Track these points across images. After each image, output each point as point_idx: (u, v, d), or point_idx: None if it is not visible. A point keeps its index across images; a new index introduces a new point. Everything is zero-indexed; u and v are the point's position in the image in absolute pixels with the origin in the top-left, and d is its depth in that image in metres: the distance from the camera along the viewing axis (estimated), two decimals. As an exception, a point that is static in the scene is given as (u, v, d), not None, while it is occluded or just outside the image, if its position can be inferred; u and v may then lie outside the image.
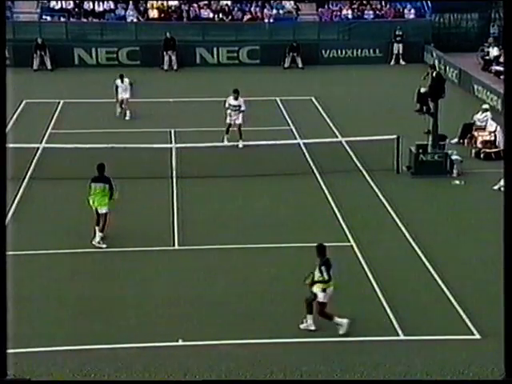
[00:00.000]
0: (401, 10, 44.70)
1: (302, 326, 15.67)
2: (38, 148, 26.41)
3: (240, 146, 27.30)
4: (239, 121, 27.67)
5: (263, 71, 40.00)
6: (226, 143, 27.43)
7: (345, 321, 15.41)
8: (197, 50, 42.00)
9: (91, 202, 19.90)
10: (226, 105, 27.87)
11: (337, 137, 28.31)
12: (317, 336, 15.48)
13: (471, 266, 18.84)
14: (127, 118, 31.45)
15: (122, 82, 31.25)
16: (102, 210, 19.76)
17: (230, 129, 27.69)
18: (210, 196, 23.30)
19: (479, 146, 26.89)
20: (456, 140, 27.78)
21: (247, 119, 27.86)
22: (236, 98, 27.73)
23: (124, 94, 31.47)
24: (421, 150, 24.78)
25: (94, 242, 19.62)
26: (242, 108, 27.67)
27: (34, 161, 25.66)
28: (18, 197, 22.83)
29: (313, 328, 15.61)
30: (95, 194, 19.81)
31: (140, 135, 28.38)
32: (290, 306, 16.67)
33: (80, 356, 14.77)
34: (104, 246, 19.63)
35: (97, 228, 19.70)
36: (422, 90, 25.49)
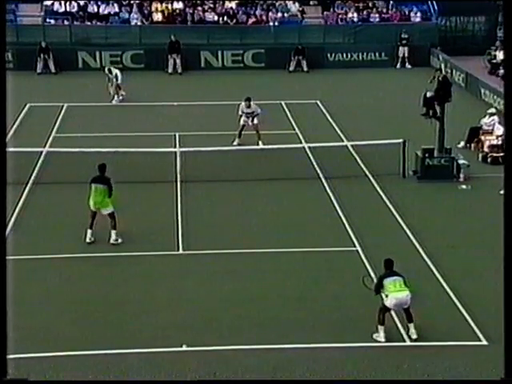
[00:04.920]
0: (407, 13, 44.54)
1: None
2: (41, 152, 26.25)
3: (260, 145, 27.14)
4: (255, 121, 27.53)
5: (268, 75, 39.86)
6: (234, 144, 27.27)
7: (382, 339, 15.40)
8: (201, 53, 41.87)
9: (91, 203, 19.89)
10: (240, 111, 27.74)
11: (342, 141, 28.18)
12: (318, 341, 15.34)
13: (477, 271, 18.68)
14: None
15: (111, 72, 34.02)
16: (107, 211, 19.86)
17: (243, 132, 27.57)
18: (214, 200, 23.16)
19: (486, 150, 26.71)
20: (463, 144, 27.64)
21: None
22: (249, 106, 27.57)
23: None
24: (427, 155, 24.62)
25: (112, 242, 19.81)
26: (257, 112, 27.59)
27: (38, 165, 25.52)
28: (21, 201, 22.67)
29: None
30: (96, 194, 19.86)
31: (144, 139, 28.26)
32: (295, 311, 16.55)
33: (81, 361, 14.63)
34: (120, 240, 19.84)
35: (89, 229, 19.86)
36: (429, 93, 25.26)
